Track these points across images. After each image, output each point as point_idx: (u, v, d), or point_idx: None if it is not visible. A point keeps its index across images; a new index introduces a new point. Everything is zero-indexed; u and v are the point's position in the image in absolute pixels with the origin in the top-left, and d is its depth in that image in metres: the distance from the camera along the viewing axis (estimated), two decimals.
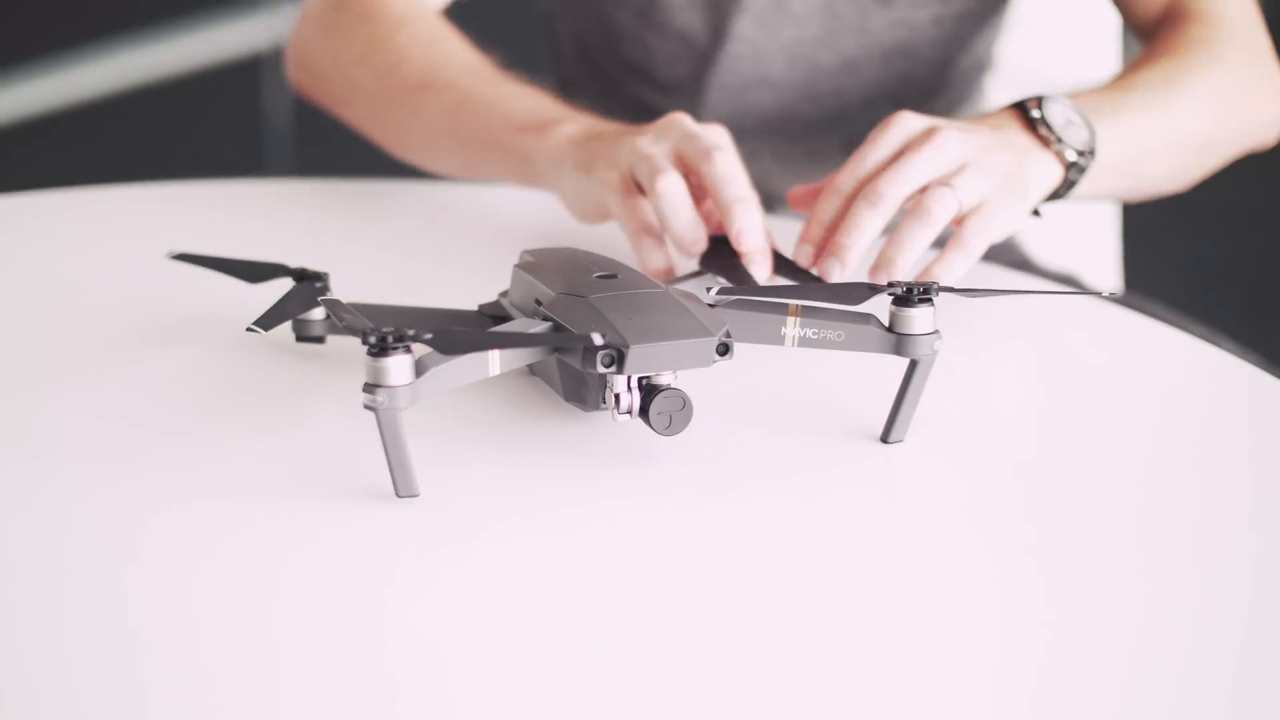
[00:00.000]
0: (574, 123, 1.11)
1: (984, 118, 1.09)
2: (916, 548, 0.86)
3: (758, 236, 1.01)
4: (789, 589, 0.82)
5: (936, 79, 1.39)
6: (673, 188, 1.02)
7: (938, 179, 1.02)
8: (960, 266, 1.01)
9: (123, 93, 2.88)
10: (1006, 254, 1.42)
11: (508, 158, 1.14)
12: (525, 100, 1.15)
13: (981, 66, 1.44)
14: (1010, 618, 0.81)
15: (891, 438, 0.94)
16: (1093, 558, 0.86)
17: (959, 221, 1.03)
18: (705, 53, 1.36)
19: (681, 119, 1.06)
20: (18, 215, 1.25)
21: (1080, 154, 1.08)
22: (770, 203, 1.29)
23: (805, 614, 0.81)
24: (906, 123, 1.04)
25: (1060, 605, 0.82)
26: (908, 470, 0.93)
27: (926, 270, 1.01)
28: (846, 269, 1.00)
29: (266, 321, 0.95)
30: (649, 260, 1.04)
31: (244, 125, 2.79)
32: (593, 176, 1.06)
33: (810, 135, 1.38)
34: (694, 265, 1.05)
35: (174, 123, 2.86)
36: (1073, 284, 1.40)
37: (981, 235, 1.02)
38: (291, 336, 1.01)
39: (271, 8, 2.88)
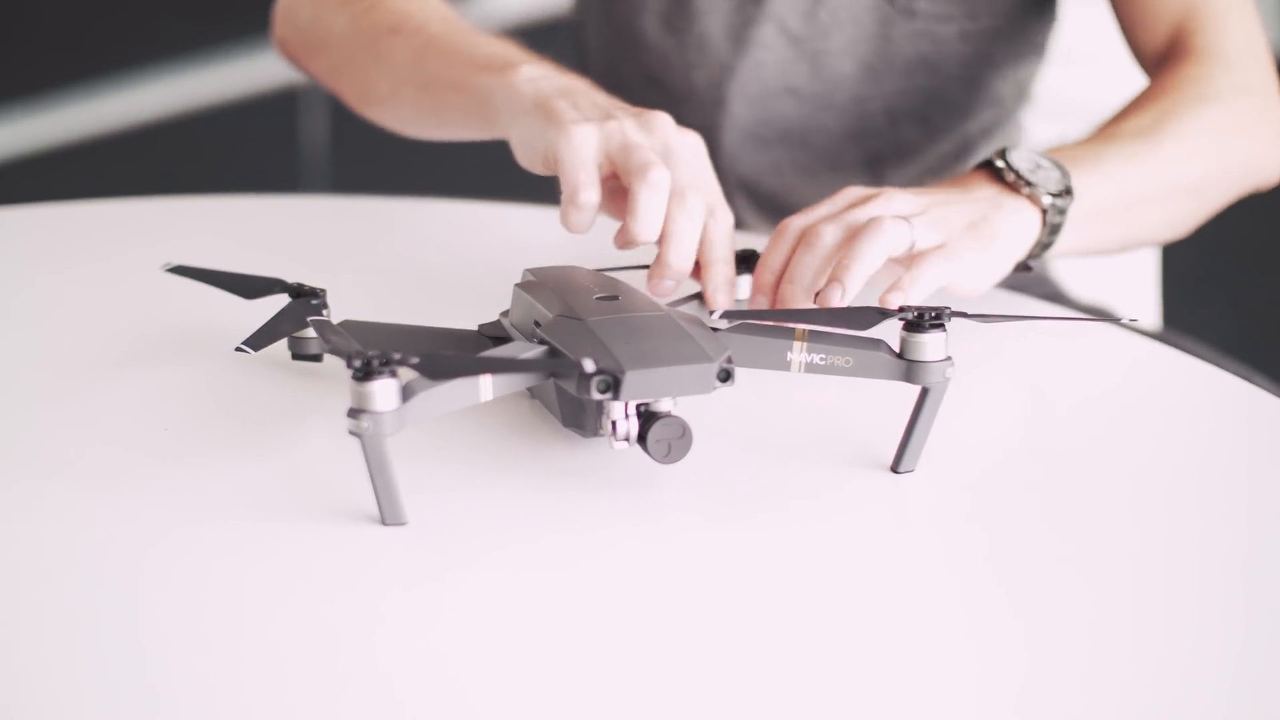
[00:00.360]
0: (537, 66, 1.10)
1: (950, 181, 1.08)
2: (928, 582, 0.84)
3: (728, 299, 1.00)
4: (792, 623, 0.80)
5: (966, 100, 1.37)
6: (658, 198, 0.99)
7: None
8: (897, 299, 0.98)
9: (163, 120, 2.90)
10: (1039, 286, 1.40)
11: (467, 99, 1.13)
12: (492, 45, 1.15)
13: (1019, 96, 1.41)
14: (1024, 654, 0.79)
15: (902, 467, 0.92)
16: (1112, 593, 0.83)
17: (913, 259, 1.01)
18: (727, 61, 1.34)
19: (665, 120, 1.03)
20: (11, 229, 1.24)
21: (1056, 195, 1.05)
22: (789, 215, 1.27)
23: (810, 647, 0.79)
24: (853, 189, 1.05)
25: (1078, 642, 0.80)
26: (919, 501, 0.90)
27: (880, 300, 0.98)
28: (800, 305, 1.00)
29: (257, 341, 0.93)
30: (577, 223, 1.01)
31: (281, 154, 2.80)
32: (553, 121, 1.03)
33: (832, 148, 1.37)
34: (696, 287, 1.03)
35: (212, 150, 2.87)
36: (1102, 316, 1.37)
37: (932, 270, 0.99)
38: (287, 354, 0.99)
39: None
